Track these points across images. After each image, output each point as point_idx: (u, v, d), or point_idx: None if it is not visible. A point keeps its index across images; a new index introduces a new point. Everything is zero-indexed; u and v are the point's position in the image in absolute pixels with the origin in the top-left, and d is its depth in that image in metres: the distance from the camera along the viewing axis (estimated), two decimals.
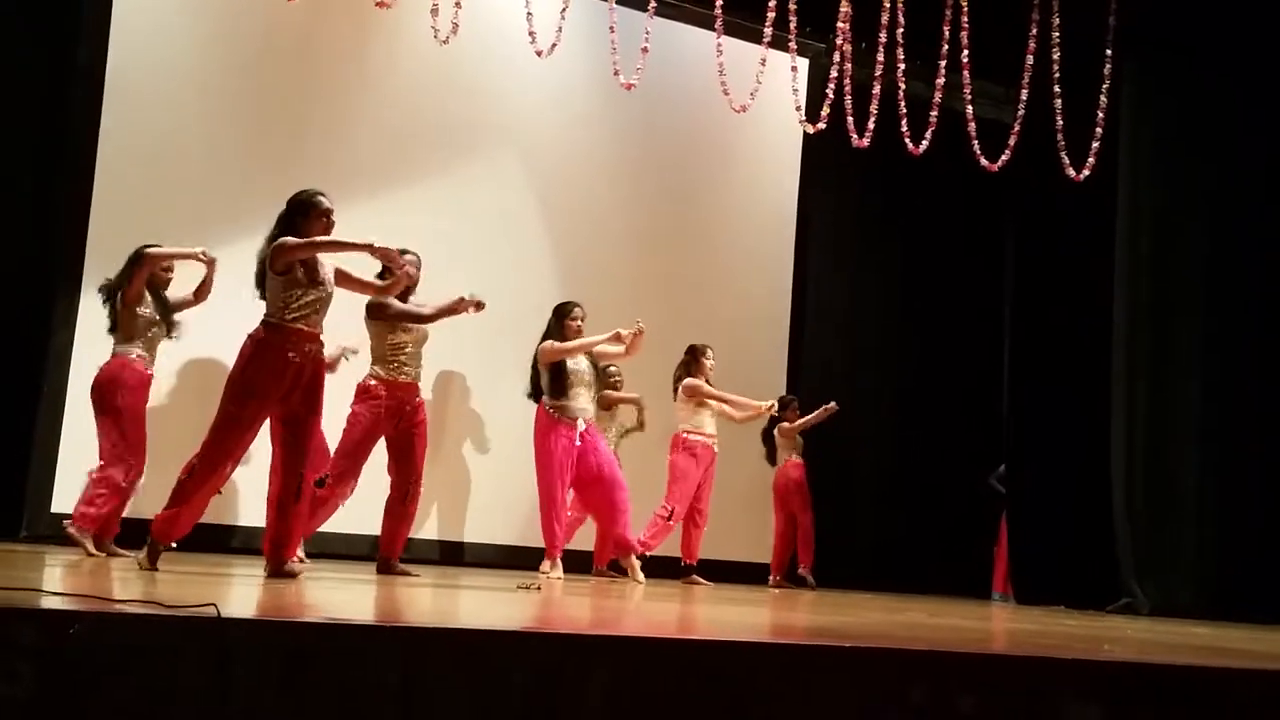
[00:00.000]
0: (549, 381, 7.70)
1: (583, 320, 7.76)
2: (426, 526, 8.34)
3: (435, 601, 4.82)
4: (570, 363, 7.69)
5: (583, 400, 7.75)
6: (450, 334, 7.35)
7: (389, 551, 6.53)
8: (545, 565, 7.75)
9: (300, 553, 7.26)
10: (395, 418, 6.56)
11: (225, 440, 5.19)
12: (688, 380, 8.54)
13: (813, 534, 9.39)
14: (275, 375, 5.17)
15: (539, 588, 5.81)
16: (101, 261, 7.38)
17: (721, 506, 8.79)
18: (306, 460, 5.34)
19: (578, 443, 7.65)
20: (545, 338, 7.77)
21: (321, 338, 5.36)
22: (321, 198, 5.38)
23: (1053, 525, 9.40)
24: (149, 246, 6.54)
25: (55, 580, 4.37)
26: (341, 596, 4.77)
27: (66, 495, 7.27)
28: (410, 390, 6.61)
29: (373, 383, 6.58)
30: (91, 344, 7.27)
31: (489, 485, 8.57)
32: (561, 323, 7.75)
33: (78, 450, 7.26)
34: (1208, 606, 8.27)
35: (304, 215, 5.32)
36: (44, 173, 7.56)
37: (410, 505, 6.56)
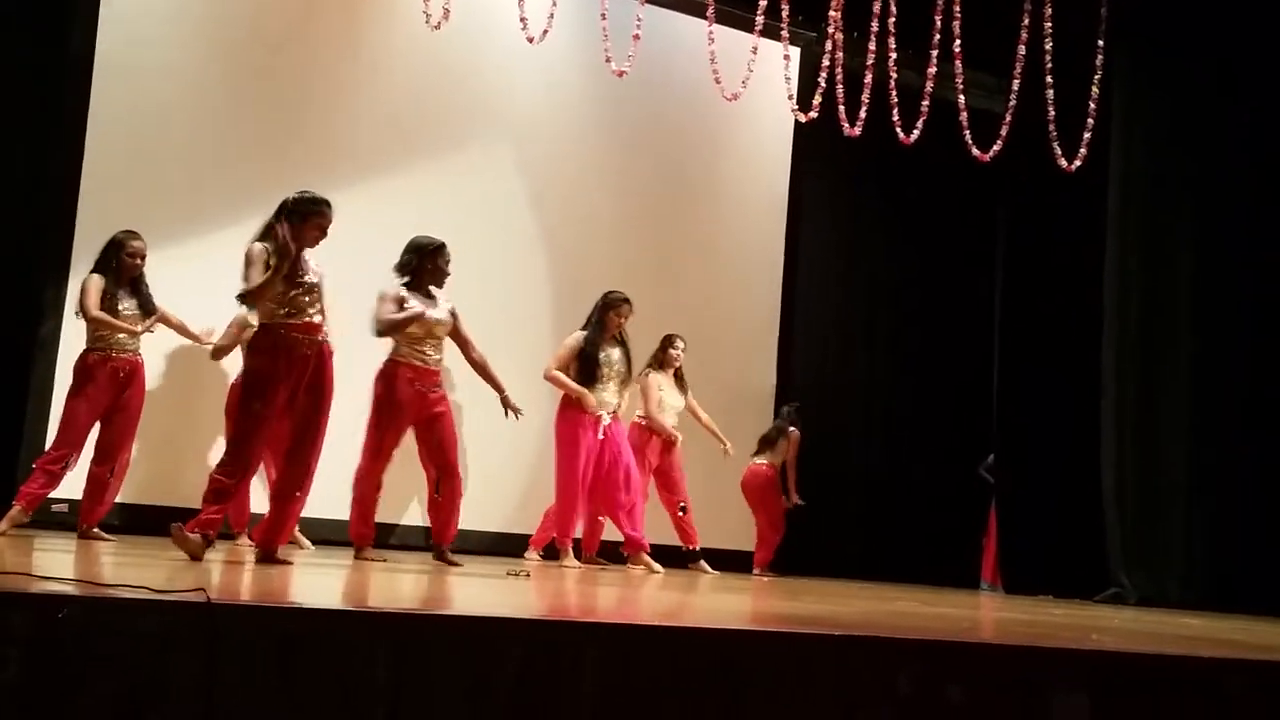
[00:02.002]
0: (577, 371, 7.62)
1: (627, 319, 7.72)
2: (411, 512, 8.34)
3: (426, 587, 4.82)
4: (602, 354, 7.62)
5: (609, 393, 7.67)
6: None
7: (439, 539, 6.56)
8: (531, 553, 7.75)
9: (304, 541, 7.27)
10: (416, 404, 6.46)
11: (247, 447, 5.15)
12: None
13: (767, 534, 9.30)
14: (276, 378, 5.14)
15: (528, 574, 5.82)
16: (89, 250, 7.35)
17: (714, 496, 8.79)
18: (315, 454, 5.30)
19: (600, 436, 7.59)
20: (585, 325, 7.71)
21: (323, 328, 5.31)
22: (326, 209, 5.31)
23: (1041, 515, 9.42)
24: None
25: (44, 565, 4.36)
26: (331, 582, 4.77)
27: None
28: (429, 376, 6.50)
29: (388, 364, 6.50)
30: (79, 332, 7.25)
31: (475, 471, 8.54)
32: (604, 316, 7.68)
33: None
34: (1195, 597, 8.30)
35: (301, 219, 5.24)
36: (32, 160, 7.52)
37: (446, 496, 6.51)
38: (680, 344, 8.38)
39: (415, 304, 6.45)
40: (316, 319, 5.28)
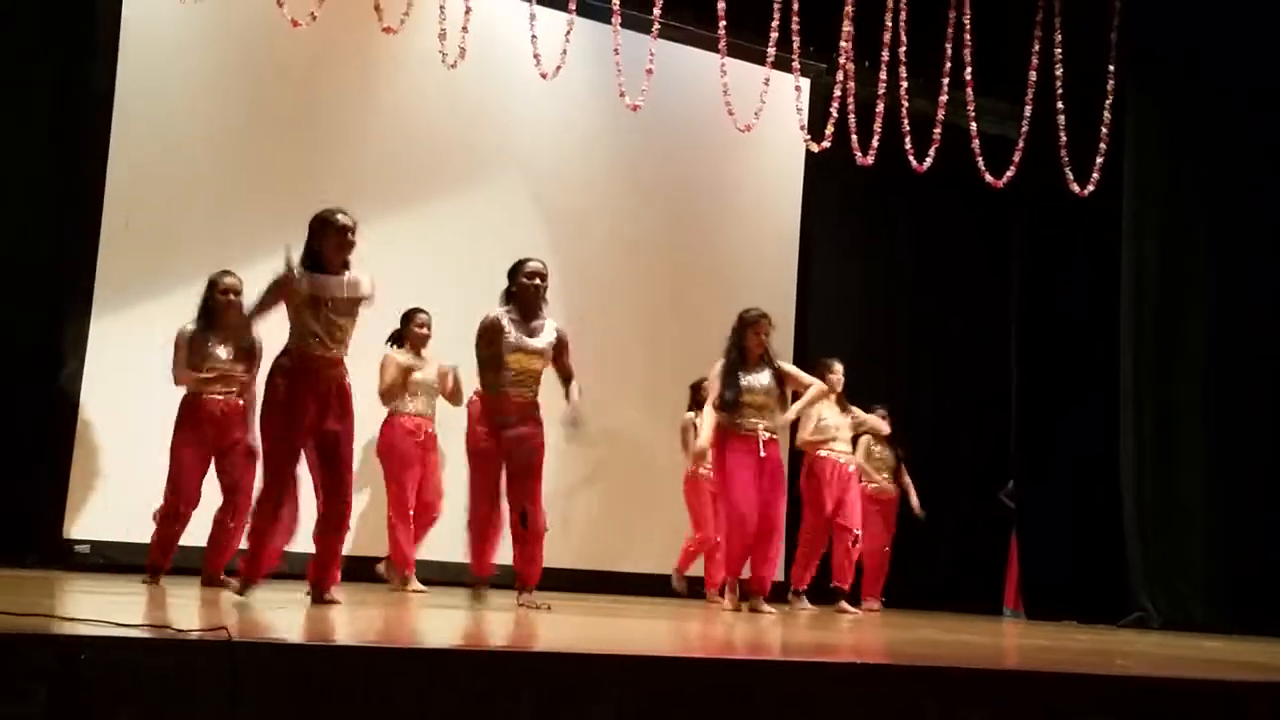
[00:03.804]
0: (718, 398, 7.01)
1: (768, 334, 7.09)
2: (434, 548, 8.32)
3: (446, 623, 4.82)
4: (745, 379, 6.98)
5: (751, 418, 6.97)
6: (463, 355, 7.41)
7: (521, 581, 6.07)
8: (722, 598, 7.09)
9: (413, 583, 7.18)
10: (500, 436, 6.03)
11: (271, 472, 5.10)
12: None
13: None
14: (297, 401, 5.08)
15: (549, 607, 5.80)
16: (110, 290, 7.42)
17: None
18: (348, 486, 5.21)
19: (762, 453, 6.93)
20: (726, 353, 7.09)
21: (344, 361, 5.22)
22: (339, 215, 5.18)
23: (1063, 541, 9.39)
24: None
25: (67, 605, 4.37)
26: (354, 620, 4.77)
27: (76, 522, 7.30)
28: (511, 407, 6.00)
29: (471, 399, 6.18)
30: (101, 370, 7.30)
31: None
32: (742, 337, 7.06)
33: (88, 477, 7.28)
34: (1220, 620, 8.24)
35: (319, 234, 5.16)
36: (53, 198, 7.57)
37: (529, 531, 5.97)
38: (839, 367, 8.26)
39: (512, 334, 5.99)
40: (336, 351, 5.18)
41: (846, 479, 8.18)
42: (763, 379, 7.03)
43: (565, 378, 6.20)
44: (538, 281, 6.08)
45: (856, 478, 8.36)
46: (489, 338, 6.03)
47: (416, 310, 7.29)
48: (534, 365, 6.06)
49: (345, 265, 5.20)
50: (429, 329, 7.35)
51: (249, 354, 6.43)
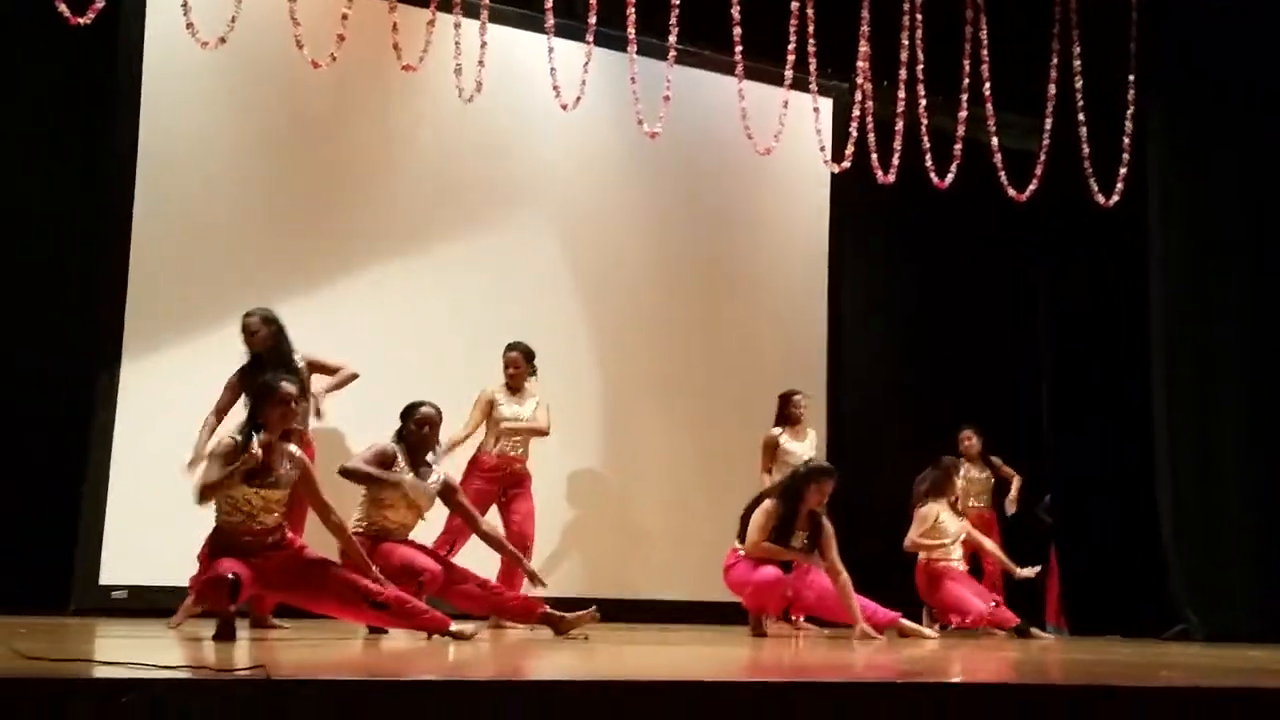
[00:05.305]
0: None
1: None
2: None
3: (488, 655, 4.81)
4: (794, 537, 6.83)
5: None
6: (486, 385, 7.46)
7: None
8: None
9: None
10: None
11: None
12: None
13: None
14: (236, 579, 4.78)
15: (586, 636, 5.80)
16: (139, 337, 7.47)
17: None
18: (357, 587, 5.08)
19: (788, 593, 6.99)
20: (780, 494, 6.96)
21: (282, 527, 5.08)
22: (285, 384, 5.14)
23: (1103, 555, 9.31)
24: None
25: (106, 651, 4.39)
26: (394, 654, 4.77)
27: (113, 570, 7.32)
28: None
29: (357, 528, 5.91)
30: (133, 420, 7.33)
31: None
32: (803, 489, 6.87)
33: (123, 526, 7.30)
34: (1265, 629, 8.14)
35: (266, 401, 5.07)
36: (80, 253, 7.59)
37: None
38: (962, 469, 8.60)
39: (402, 469, 5.99)
40: (270, 519, 5.03)
41: (961, 572, 8.35)
42: (803, 539, 6.88)
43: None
44: (427, 430, 6.10)
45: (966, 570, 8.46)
46: (384, 461, 5.96)
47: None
48: (417, 509, 6.05)
49: (286, 437, 5.14)
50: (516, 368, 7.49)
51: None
